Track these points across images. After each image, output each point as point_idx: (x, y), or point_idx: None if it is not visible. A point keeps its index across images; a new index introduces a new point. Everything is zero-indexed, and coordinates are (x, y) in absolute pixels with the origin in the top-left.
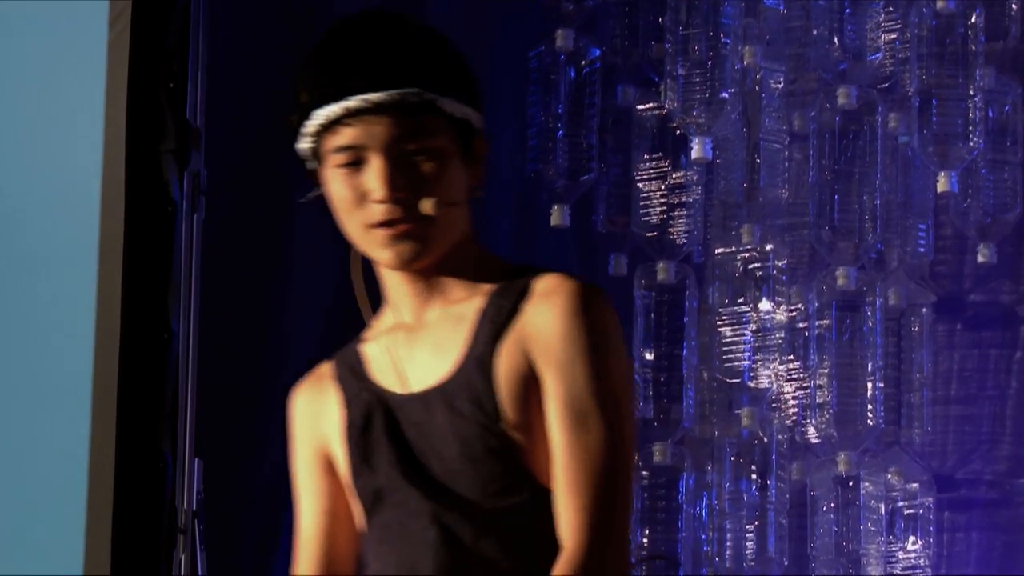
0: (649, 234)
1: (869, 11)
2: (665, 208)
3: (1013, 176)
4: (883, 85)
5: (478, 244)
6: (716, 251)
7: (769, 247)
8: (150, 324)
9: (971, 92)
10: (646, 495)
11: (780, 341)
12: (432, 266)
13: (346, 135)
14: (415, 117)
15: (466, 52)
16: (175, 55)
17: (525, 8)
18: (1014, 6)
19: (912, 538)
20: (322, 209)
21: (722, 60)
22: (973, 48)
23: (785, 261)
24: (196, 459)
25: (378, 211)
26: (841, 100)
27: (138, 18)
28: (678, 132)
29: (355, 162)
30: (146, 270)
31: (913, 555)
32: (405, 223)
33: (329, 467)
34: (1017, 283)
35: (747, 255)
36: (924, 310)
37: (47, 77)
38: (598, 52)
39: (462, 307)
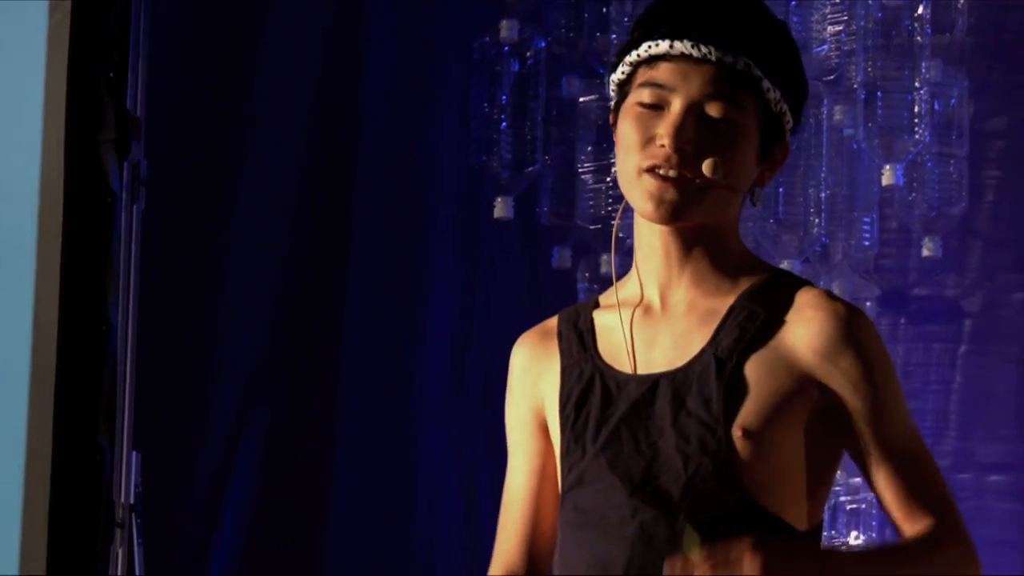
0: (593, 227)
1: (815, 3)
2: (609, 201)
3: (959, 169)
4: (828, 77)
5: (745, 247)
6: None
7: None
8: (88, 316)
9: (917, 85)
10: None
11: None
12: (691, 242)
13: (663, 71)
14: (733, 85)
15: (409, 41)
16: (115, 44)
17: None
18: None
19: (854, 532)
20: (262, 203)
21: None
22: (919, 41)
23: None
24: (134, 452)
25: (658, 154)
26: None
27: (78, 7)
28: None
29: (657, 105)
30: (85, 261)
31: (855, 549)
32: (679, 176)
33: (542, 426)
34: (961, 277)
35: None
36: (868, 304)
37: None
38: (543, 43)
39: (711, 301)
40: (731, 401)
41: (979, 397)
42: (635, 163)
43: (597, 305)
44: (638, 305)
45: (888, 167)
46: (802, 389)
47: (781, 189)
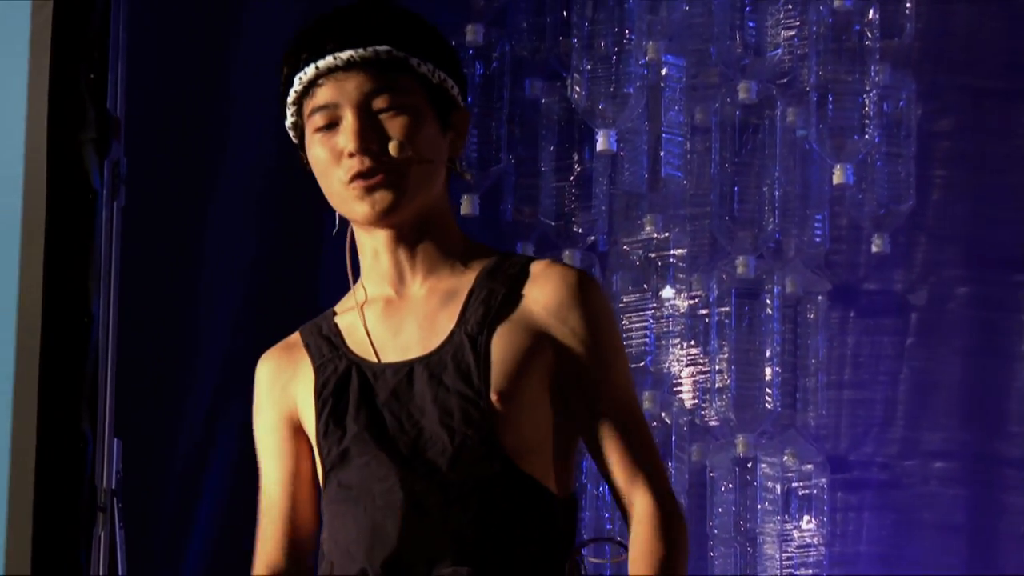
0: (555, 223)
1: (769, 8)
2: (571, 198)
3: (906, 169)
4: (782, 80)
5: (458, 227)
6: (620, 240)
7: (668, 235)
8: (71, 308)
9: (866, 87)
10: None
11: (681, 327)
12: (411, 235)
13: (321, 95)
14: (387, 73)
15: None
16: (96, 46)
17: (436, 2)
18: (909, 4)
19: (807, 517)
20: (237, 199)
21: (626, 55)
22: (869, 45)
23: (686, 250)
24: (115, 439)
25: (352, 164)
26: (741, 95)
27: (60, 9)
28: (584, 125)
29: (331, 124)
30: (67, 255)
31: (807, 533)
32: (378, 173)
33: (295, 430)
34: (909, 272)
35: (650, 244)
36: (820, 298)
37: None
38: (507, 46)
39: (447, 283)
40: (486, 372)
41: (925, 387)
42: (338, 179)
43: (335, 314)
44: (377, 301)
45: (839, 166)
46: (542, 350)
47: (736, 188)
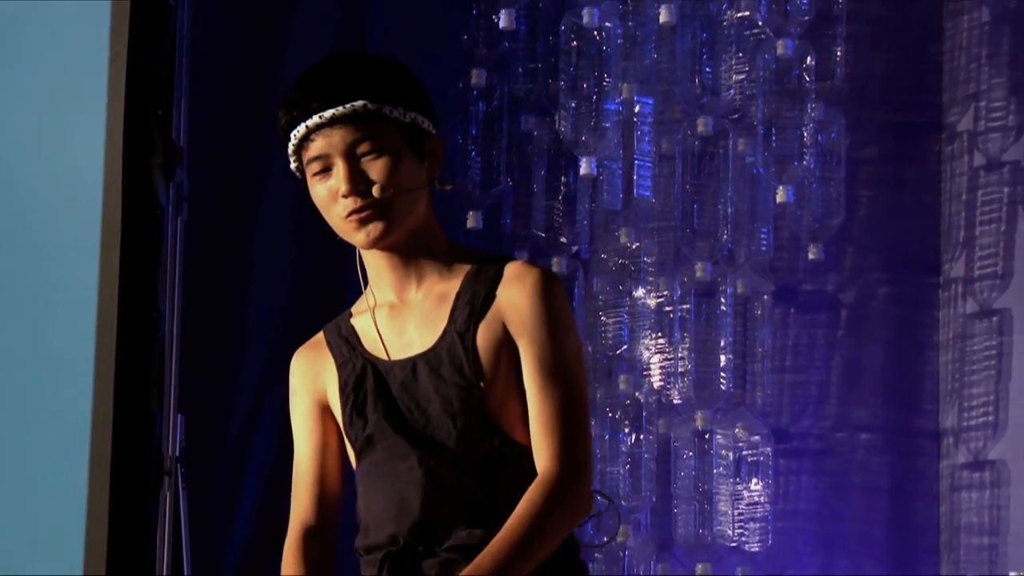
0: (546, 235)
1: (723, 56)
2: (559, 214)
3: (837, 190)
4: (734, 116)
5: (445, 237)
6: (599, 249)
7: (639, 245)
8: (141, 306)
9: (804, 122)
10: None
11: (650, 321)
12: (404, 250)
13: (314, 148)
14: (366, 123)
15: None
16: (163, 87)
17: (447, 51)
18: (839, 52)
19: (754, 480)
20: (280, 215)
21: (605, 95)
22: (806, 86)
23: (654, 257)
24: (179, 415)
25: (346, 204)
26: (700, 128)
27: (133, 54)
28: (569, 153)
29: (325, 169)
30: (138, 262)
31: (755, 494)
32: (368, 209)
33: (325, 411)
34: (839, 275)
35: (624, 252)
36: (765, 297)
37: (59, 103)
38: (505, 88)
39: (440, 287)
40: (476, 364)
41: (853, 372)
42: (336, 214)
43: (351, 315)
44: (382, 306)
45: (781, 188)
46: (507, 339)
47: (696, 205)
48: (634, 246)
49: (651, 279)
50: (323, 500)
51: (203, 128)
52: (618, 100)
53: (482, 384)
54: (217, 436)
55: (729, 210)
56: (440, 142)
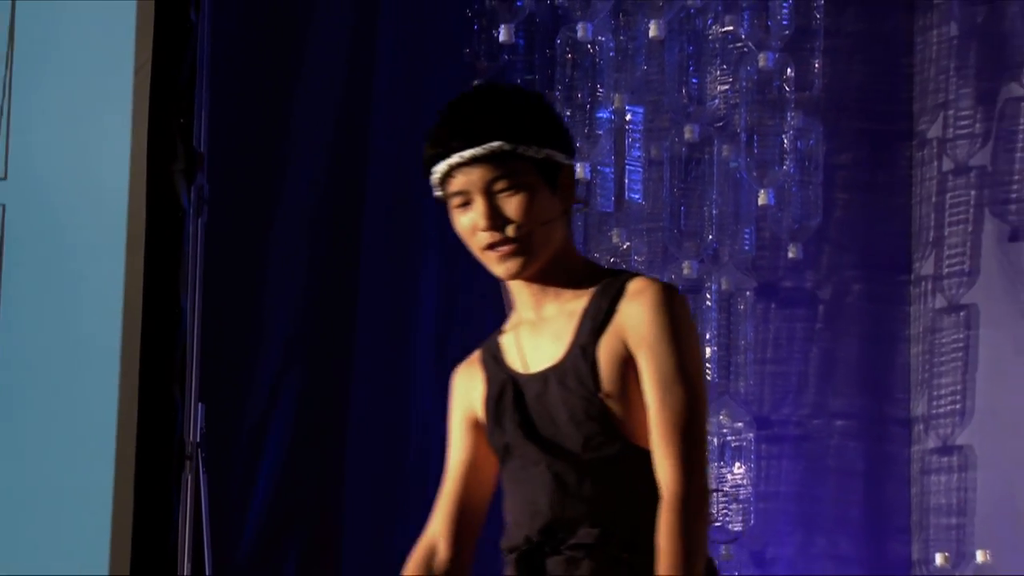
0: None
1: (708, 68)
2: None
3: (815, 193)
4: (719, 124)
5: (581, 256)
6: (592, 249)
7: (629, 244)
8: (165, 302)
9: (784, 129)
10: None
11: None
12: (541, 273)
13: (455, 184)
14: (503, 163)
15: (404, 99)
16: (184, 97)
17: (450, 63)
18: (817, 64)
19: (738, 464)
20: (294, 217)
21: (598, 104)
22: (786, 96)
23: (644, 256)
24: (199, 403)
25: (484, 238)
26: (687, 135)
27: (156, 66)
28: None
29: (466, 203)
30: (161, 261)
31: (739, 477)
32: (505, 244)
33: (474, 426)
34: (817, 273)
35: (616, 251)
36: (748, 293)
37: (87, 112)
38: None
39: (572, 304)
40: (596, 376)
41: (830, 363)
42: (477, 245)
43: (501, 332)
44: (523, 323)
45: (763, 191)
46: (628, 353)
47: (683, 207)
48: (625, 246)
49: None
50: (460, 517)
51: (222, 135)
52: (610, 109)
53: (601, 394)
54: (235, 424)
55: (714, 212)
56: (572, 171)
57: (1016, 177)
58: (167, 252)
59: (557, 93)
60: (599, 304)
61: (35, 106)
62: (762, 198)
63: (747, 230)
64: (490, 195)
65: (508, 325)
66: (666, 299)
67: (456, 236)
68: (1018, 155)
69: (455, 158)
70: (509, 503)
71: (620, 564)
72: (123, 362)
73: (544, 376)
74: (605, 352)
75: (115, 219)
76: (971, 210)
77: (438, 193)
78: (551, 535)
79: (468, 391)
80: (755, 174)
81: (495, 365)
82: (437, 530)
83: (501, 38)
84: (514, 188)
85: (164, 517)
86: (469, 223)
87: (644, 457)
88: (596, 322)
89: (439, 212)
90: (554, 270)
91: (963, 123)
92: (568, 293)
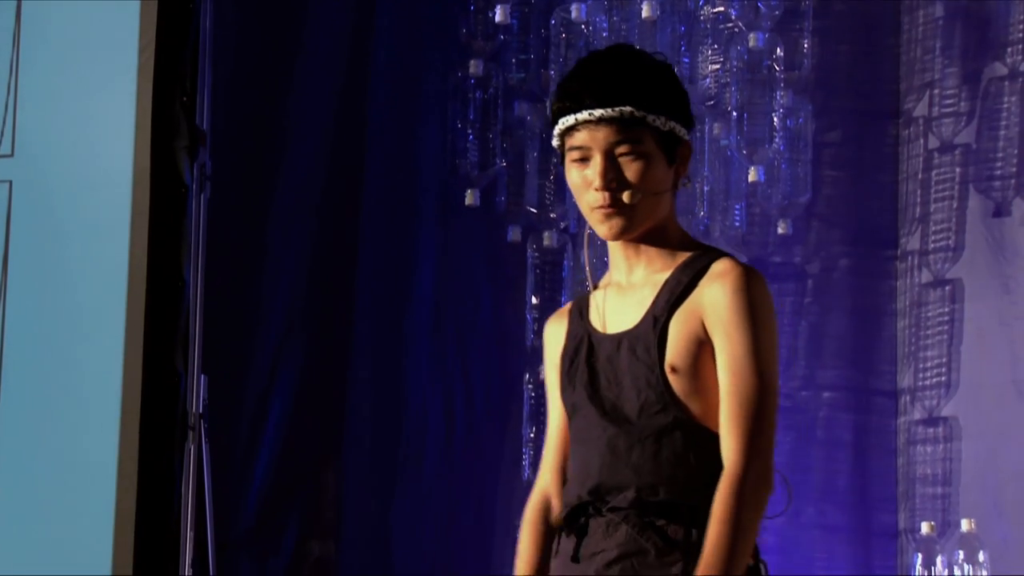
0: (538, 211)
1: (699, 48)
2: (549, 192)
3: (804, 170)
4: (710, 103)
5: (679, 226)
6: (586, 224)
7: None
8: (168, 275)
9: (774, 108)
10: (532, 400)
11: None
12: (639, 239)
13: (578, 138)
14: (628, 128)
15: (402, 77)
16: (188, 76)
17: (447, 43)
18: (807, 44)
19: None
20: (295, 192)
21: None
22: (776, 75)
23: None
24: (202, 375)
25: (596, 197)
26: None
27: (160, 48)
28: None
29: (584, 159)
30: (165, 235)
31: None
32: (614, 206)
33: None
34: (806, 248)
35: None
36: None
37: (92, 90)
38: (501, 77)
39: (659, 275)
40: (662, 347)
41: (818, 336)
42: (586, 202)
43: (595, 287)
44: (614, 285)
45: (753, 168)
46: (704, 332)
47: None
48: None
49: None
50: (564, 466)
51: (225, 113)
52: None
53: (667, 367)
54: (237, 395)
55: (705, 188)
56: (690, 148)
57: (1000, 155)
58: (170, 227)
59: (552, 72)
60: (679, 278)
61: (41, 84)
62: (752, 175)
63: (737, 206)
64: (610, 157)
65: (601, 282)
66: (748, 283)
67: (452, 211)
68: (1002, 133)
69: (584, 115)
70: (571, 462)
71: (654, 530)
72: (127, 335)
73: (618, 339)
74: (678, 327)
75: (120, 195)
76: (956, 187)
77: (556, 143)
78: (598, 497)
79: (555, 345)
80: (745, 152)
81: (579, 320)
82: (548, 483)
83: (497, 18)
84: (635, 155)
85: (167, 487)
86: (582, 180)
87: (701, 433)
88: (673, 296)
89: (438, 188)
90: (651, 239)
91: (948, 102)
92: (659, 263)
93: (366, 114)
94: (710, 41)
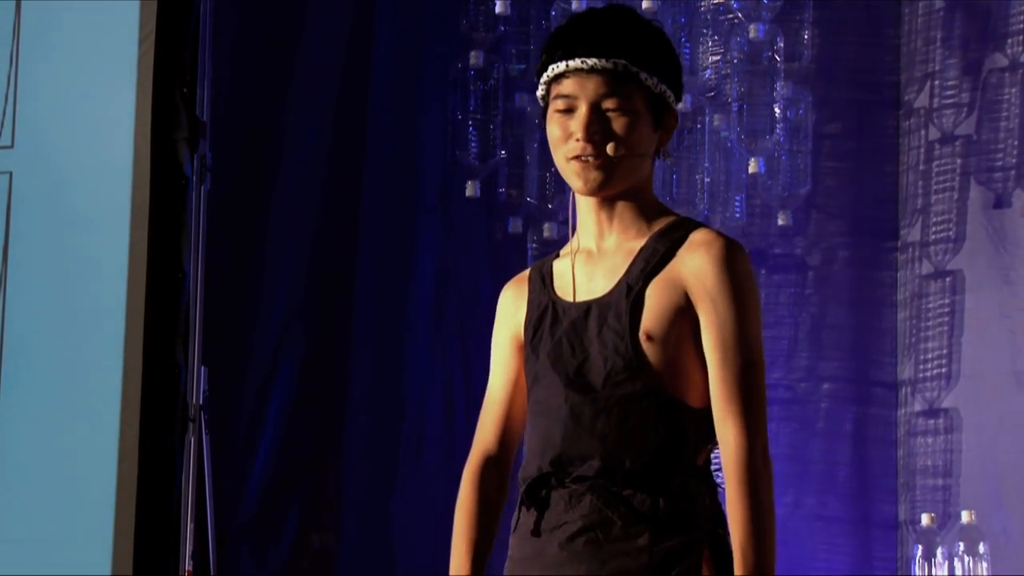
0: (538, 202)
1: (700, 39)
2: (549, 183)
3: (804, 161)
4: (710, 94)
5: (654, 196)
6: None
7: None
8: (168, 267)
9: (774, 99)
10: None
11: None
12: (611, 204)
13: (566, 86)
14: (620, 82)
15: (402, 68)
16: (188, 67)
17: (448, 34)
18: (807, 36)
19: None
20: (296, 183)
21: None
22: (776, 67)
23: None
24: (202, 367)
25: (576, 147)
26: (679, 105)
27: (160, 39)
28: None
29: (568, 109)
30: (165, 227)
31: None
32: (594, 158)
33: (518, 347)
34: (806, 239)
35: None
36: None
37: (92, 81)
38: (501, 68)
39: (632, 243)
40: (635, 315)
41: (819, 327)
42: (563, 154)
43: (557, 256)
44: (582, 252)
45: (753, 159)
46: (683, 303)
47: (675, 175)
48: None
49: None
50: (507, 431)
51: (225, 104)
52: None
53: (641, 336)
54: (237, 386)
55: (706, 180)
56: (677, 117)
57: (1000, 146)
58: (171, 219)
59: None
60: (655, 247)
61: (42, 75)
62: (752, 166)
63: (738, 198)
64: (596, 108)
65: (566, 250)
66: (733, 255)
67: (452, 202)
68: (1002, 124)
69: (576, 62)
70: (529, 433)
71: (621, 500)
72: (128, 326)
73: (587, 307)
74: (656, 296)
75: (120, 186)
76: (956, 178)
77: (540, 93)
78: (560, 468)
79: (514, 312)
80: (745, 143)
81: (541, 288)
82: (489, 441)
83: (497, 9)
84: (622, 110)
85: (168, 477)
86: (562, 129)
87: (672, 404)
88: (649, 265)
89: (438, 178)
90: (626, 204)
91: (949, 93)
92: (633, 230)
93: (367, 105)
94: (710, 32)
